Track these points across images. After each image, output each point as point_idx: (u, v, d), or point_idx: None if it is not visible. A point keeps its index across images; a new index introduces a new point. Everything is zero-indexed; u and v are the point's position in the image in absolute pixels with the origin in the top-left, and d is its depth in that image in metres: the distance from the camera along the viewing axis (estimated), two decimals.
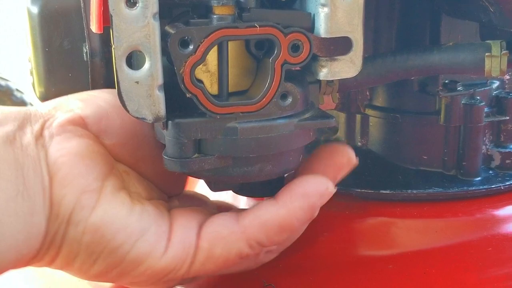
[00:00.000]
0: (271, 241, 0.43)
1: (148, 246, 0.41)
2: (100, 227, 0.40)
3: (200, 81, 0.39)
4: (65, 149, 0.41)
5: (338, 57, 0.40)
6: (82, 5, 0.46)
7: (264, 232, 0.42)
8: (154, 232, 0.41)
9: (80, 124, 0.42)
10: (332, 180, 0.43)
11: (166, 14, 0.39)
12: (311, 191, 0.42)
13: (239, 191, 0.46)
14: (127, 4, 0.35)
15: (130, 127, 0.44)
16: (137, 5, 0.35)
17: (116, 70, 0.36)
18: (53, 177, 0.40)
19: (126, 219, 0.41)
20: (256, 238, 0.42)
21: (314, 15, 0.40)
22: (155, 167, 0.45)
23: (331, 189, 0.43)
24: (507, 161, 0.56)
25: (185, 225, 0.43)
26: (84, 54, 0.48)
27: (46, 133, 0.41)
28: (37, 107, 0.43)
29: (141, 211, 0.42)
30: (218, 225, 0.42)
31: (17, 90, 2.15)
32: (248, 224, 0.42)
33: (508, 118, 0.55)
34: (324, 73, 0.41)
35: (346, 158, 0.45)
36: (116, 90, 0.44)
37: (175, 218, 0.43)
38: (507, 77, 0.57)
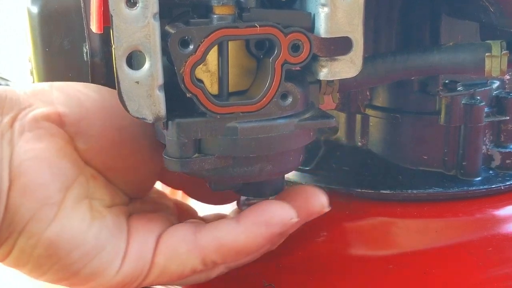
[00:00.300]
0: (226, 262, 0.43)
1: (103, 264, 0.40)
2: (54, 243, 0.38)
3: (200, 81, 0.39)
4: (32, 151, 0.38)
5: (338, 57, 0.40)
6: (82, 5, 0.46)
7: (220, 254, 0.42)
8: (111, 249, 0.40)
9: (56, 122, 0.40)
10: (299, 220, 0.43)
11: (166, 14, 0.39)
12: (274, 220, 0.41)
13: (239, 191, 0.46)
14: (127, 4, 0.35)
15: (108, 134, 0.42)
16: (137, 5, 0.35)
17: (116, 70, 0.36)
18: (13, 181, 0.38)
19: (83, 236, 0.39)
20: (212, 258, 0.42)
21: (314, 15, 0.39)
22: (125, 175, 0.44)
23: (295, 220, 0.42)
24: (507, 161, 0.56)
25: (142, 239, 0.42)
26: (84, 54, 0.48)
27: (17, 125, 0.39)
28: (16, 89, 0.41)
29: (100, 226, 0.40)
30: (176, 239, 0.42)
31: None
32: (206, 244, 0.42)
33: (508, 118, 0.55)
34: (324, 73, 0.41)
35: (320, 204, 0.44)
36: (104, 87, 0.44)
37: (133, 229, 0.42)
38: (507, 77, 0.57)
